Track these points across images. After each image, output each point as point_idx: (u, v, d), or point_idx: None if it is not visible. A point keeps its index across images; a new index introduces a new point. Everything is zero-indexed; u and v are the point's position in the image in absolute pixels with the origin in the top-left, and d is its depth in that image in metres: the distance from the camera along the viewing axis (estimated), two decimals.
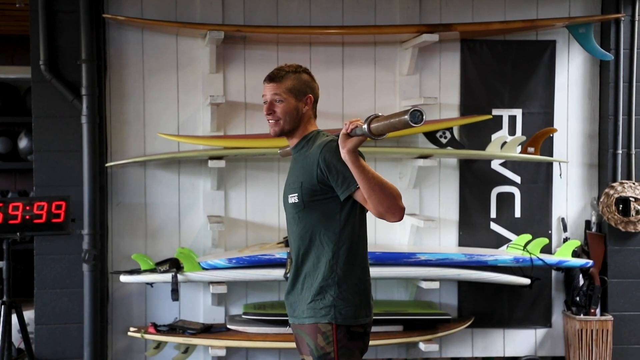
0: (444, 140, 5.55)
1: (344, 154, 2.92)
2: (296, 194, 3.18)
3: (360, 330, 3.19)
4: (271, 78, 3.27)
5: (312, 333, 3.16)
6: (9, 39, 7.18)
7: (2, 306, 4.73)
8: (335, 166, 3.04)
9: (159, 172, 5.54)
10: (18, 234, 4.77)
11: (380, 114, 2.82)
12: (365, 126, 2.81)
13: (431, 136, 5.54)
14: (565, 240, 5.79)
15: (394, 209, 2.93)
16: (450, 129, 5.58)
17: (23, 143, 6.61)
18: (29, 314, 5.49)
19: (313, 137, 3.23)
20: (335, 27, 5.53)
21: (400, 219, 2.97)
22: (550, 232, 5.86)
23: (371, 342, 5.08)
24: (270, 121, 3.26)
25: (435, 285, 5.39)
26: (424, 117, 2.61)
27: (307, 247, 3.19)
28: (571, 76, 5.89)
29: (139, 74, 5.50)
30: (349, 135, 2.91)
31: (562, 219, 5.87)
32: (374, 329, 5.14)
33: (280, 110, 3.23)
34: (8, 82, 6.90)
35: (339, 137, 2.97)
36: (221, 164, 5.25)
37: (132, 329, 5.33)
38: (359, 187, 2.98)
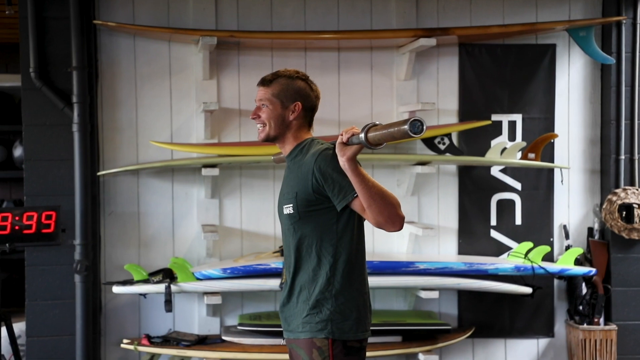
0: (442, 147, 5.45)
1: (342, 162, 2.82)
2: (291, 205, 3.07)
3: (357, 345, 3.07)
4: (262, 81, 3.19)
5: (307, 348, 3.05)
6: (3, 46, 7.10)
7: None
8: (330, 175, 2.94)
9: (152, 180, 5.44)
10: (7, 244, 4.67)
11: (378, 122, 2.71)
12: (362, 135, 2.70)
13: (429, 142, 5.44)
14: (568, 248, 5.68)
15: (394, 218, 2.83)
16: (448, 135, 5.47)
17: (18, 152, 6.50)
18: (21, 326, 5.41)
19: (307, 145, 3.12)
20: (330, 32, 5.43)
21: (400, 228, 2.87)
22: (552, 239, 5.75)
23: (369, 354, 5.00)
24: (258, 126, 3.18)
25: (435, 294, 5.28)
26: (424, 127, 2.51)
27: (303, 258, 3.08)
28: (572, 80, 5.79)
29: (131, 81, 5.41)
30: (345, 144, 2.81)
31: (564, 227, 5.76)
32: (372, 339, 5.06)
33: (265, 115, 3.14)
34: (3, 90, 6.82)
35: (334, 146, 2.87)
36: (215, 172, 5.15)
37: (125, 340, 5.22)
38: (356, 196, 2.88)
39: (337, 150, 2.83)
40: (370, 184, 2.82)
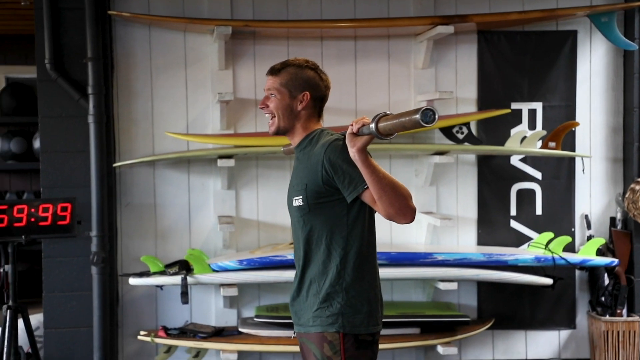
0: (460, 136, 5.37)
1: (353, 153, 2.75)
2: (300, 197, 3.02)
3: (369, 338, 3.02)
4: (270, 70, 3.13)
5: (319, 342, 2.99)
6: (21, 38, 7.10)
7: (8, 311, 4.62)
8: (340, 166, 2.88)
9: (168, 172, 5.41)
10: (23, 236, 4.64)
11: (389, 112, 2.64)
12: (372, 125, 2.64)
13: (447, 132, 5.36)
14: (589, 238, 5.58)
15: (405, 210, 2.77)
16: (467, 124, 5.38)
17: (38, 143, 6.50)
18: (40, 317, 5.42)
19: (316, 136, 3.06)
20: (347, 20, 5.36)
21: (411, 220, 2.80)
22: (573, 229, 5.66)
23: (388, 345, 5.01)
24: (267, 119, 3.13)
25: (453, 286, 5.20)
26: (436, 116, 2.43)
27: (313, 251, 3.03)
28: (593, 67, 5.69)
29: (146, 72, 5.38)
30: (356, 134, 2.74)
31: (586, 216, 5.67)
32: (390, 331, 5.06)
33: (273, 105, 3.09)
34: (22, 82, 6.83)
35: (344, 136, 2.81)
36: (230, 163, 5.11)
37: (142, 332, 5.20)
38: (367, 188, 2.81)
39: (347, 141, 2.75)
40: (381, 175, 2.75)
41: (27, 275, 7.26)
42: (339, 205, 2.96)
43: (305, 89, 3.08)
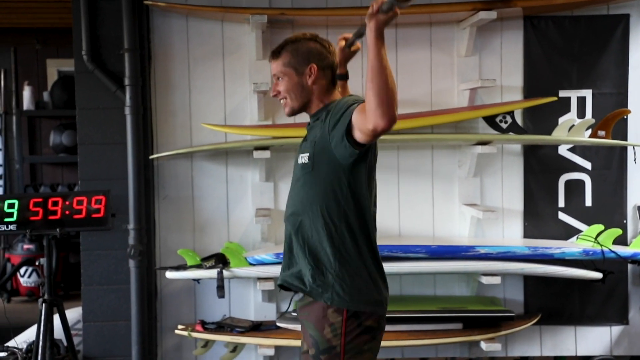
0: (504, 125, 5.17)
1: (370, 33, 2.64)
2: (307, 154, 2.96)
3: (374, 324, 2.91)
4: (271, 54, 3.06)
5: (319, 323, 2.91)
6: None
7: (43, 304, 4.60)
8: (336, 114, 2.84)
9: (206, 163, 5.34)
10: (58, 229, 4.62)
11: None
12: None
13: (491, 121, 5.17)
14: None
15: (385, 107, 2.58)
16: (511, 113, 5.18)
17: None
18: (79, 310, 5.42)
19: (334, 104, 2.97)
20: None
21: (386, 127, 2.62)
22: (625, 222, 5.43)
23: (427, 342, 4.87)
24: (281, 101, 3.03)
25: (497, 280, 5.03)
26: None
27: (308, 214, 2.95)
28: None
29: (184, 63, 5.30)
30: (375, 14, 2.63)
31: (639, 208, 5.44)
32: (431, 326, 4.91)
33: (283, 88, 3.00)
34: (74, 75, 6.83)
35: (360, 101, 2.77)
36: (266, 154, 5.01)
37: (179, 326, 5.14)
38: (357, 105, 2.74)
39: (367, 21, 2.65)
40: (385, 63, 2.63)
41: (74, 268, 7.31)
42: (340, 171, 2.88)
43: (310, 61, 2.99)
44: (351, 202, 2.89)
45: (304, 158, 2.97)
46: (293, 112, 3.05)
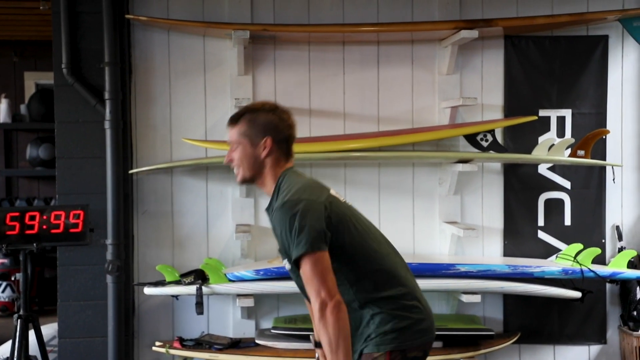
0: (485, 144, 5.19)
1: None
2: (286, 259, 2.92)
3: (419, 354, 2.91)
4: (230, 120, 3.03)
5: None
6: (51, 45, 7.06)
7: (19, 320, 4.53)
8: (287, 233, 2.82)
9: (186, 179, 5.31)
10: (35, 244, 4.56)
11: None
12: None
13: (472, 139, 5.18)
14: (621, 250, 5.39)
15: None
16: (492, 132, 5.19)
17: None
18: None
19: (278, 188, 2.95)
20: (370, 24, 5.23)
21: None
22: (603, 241, 5.46)
23: None
24: (233, 169, 3.02)
25: (477, 298, 5.04)
26: None
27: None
28: (625, 73, 5.50)
29: (165, 77, 5.28)
30: None
31: (617, 227, 5.47)
32: None
33: (237, 156, 2.99)
34: (51, 88, 6.78)
35: (293, 191, 2.81)
36: None
37: (157, 343, 5.09)
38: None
39: None
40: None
41: (49, 283, 7.22)
42: None
43: (266, 133, 2.95)
44: (352, 264, 2.89)
45: (287, 265, 2.93)
46: (244, 182, 3.02)
